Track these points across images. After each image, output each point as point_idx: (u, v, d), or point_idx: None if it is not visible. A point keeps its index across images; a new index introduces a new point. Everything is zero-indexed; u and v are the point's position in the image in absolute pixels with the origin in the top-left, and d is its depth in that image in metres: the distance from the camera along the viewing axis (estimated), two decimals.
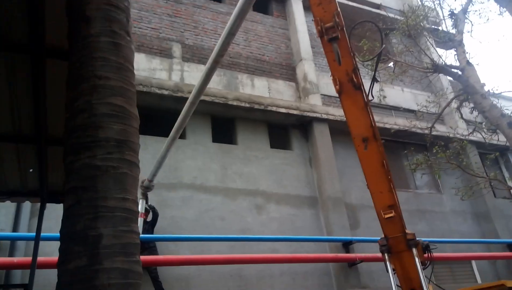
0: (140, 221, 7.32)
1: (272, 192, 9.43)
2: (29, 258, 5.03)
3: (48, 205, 4.83)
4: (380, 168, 5.71)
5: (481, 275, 10.91)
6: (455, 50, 10.83)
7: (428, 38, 12.04)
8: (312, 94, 11.09)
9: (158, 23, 10.37)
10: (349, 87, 5.59)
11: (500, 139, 10.77)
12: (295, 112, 10.22)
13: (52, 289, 1.68)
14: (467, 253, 10.49)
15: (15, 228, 7.00)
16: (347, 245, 9.08)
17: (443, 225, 11.20)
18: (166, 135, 6.58)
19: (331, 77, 5.73)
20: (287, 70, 11.71)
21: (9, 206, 6.96)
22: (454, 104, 11.35)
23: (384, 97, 10.59)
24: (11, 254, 6.70)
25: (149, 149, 8.52)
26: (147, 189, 7.46)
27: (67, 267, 1.62)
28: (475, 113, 10.43)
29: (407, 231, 5.86)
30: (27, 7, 2.78)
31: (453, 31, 11.43)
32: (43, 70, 3.24)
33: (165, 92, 8.80)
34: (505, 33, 36.45)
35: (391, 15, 12.16)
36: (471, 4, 11.50)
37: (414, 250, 5.72)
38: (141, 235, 7.15)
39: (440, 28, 12.97)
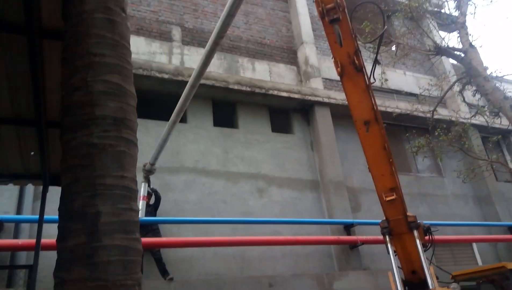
0: (143, 204, 7.37)
1: (273, 176, 9.45)
2: (33, 240, 5.08)
3: (50, 187, 4.85)
4: (381, 151, 5.71)
5: (482, 257, 10.99)
6: (458, 33, 10.67)
7: (430, 20, 11.85)
8: (314, 78, 11.00)
9: (157, 6, 10.25)
10: (350, 69, 5.55)
11: (502, 122, 10.70)
12: (296, 96, 10.16)
13: None
14: (468, 236, 10.55)
15: (19, 211, 7.06)
16: (348, 227, 9.14)
17: (444, 208, 11.24)
18: (167, 119, 6.56)
19: (333, 59, 5.67)
20: (288, 54, 11.60)
21: (12, 189, 7.00)
22: (456, 87, 11.25)
23: (386, 80, 10.50)
24: (15, 236, 6.78)
25: (150, 133, 8.53)
26: (149, 172, 7.50)
27: (66, 244, 1.62)
28: (478, 96, 10.34)
29: (408, 213, 5.89)
30: None
31: (456, 13, 11.23)
32: (40, 51, 3.21)
33: (166, 76, 8.75)
34: (509, 15, 35.89)
35: None
36: None
37: (415, 232, 5.76)
38: (145, 218, 7.24)
39: (442, 10, 12.75)
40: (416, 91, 12.60)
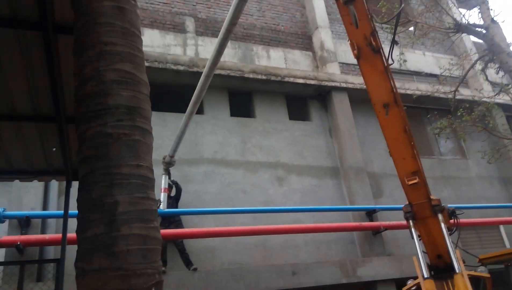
0: (165, 196, 7.46)
1: (293, 164, 9.39)
2: (60, 235, 5.18)
3: (74, 182, 4.92)
4: (402, 133, 5.58)
5: (509, 239, 10.72)
6: (478, 8, 10.29)
7: None
8: (330, 63, 10.83)
9: None
10: (367, 51, 5.41)
11: None
12: (313, 82, 10.02)
13: None
14: (495, 218, 10.29)
15: (45, 207, 7.23)
16: (370, 213, 9.03)
17: (469, 191, 10.98)
18: (185, 111, 6.57)
19: (349, 42, 5.55)
20: (303, 39, 11.43)
21: (38, 186, 7.17)
22: (478, 66, 10.88)
23: (405, 61, 10.21)
24: (43, 232, 6.95)
25: (168, 126, 8.58)
26: (169, 164, 7.57)
27: (85, 235, 1.62)
28: (501, 73, 9.97)
29: (432, 197, 5.77)
30: None
31: None
32: (55, 47, 3.23)
33: (181, 68, 8.75)
34: None
35: None
36: None
37: (440, 216, 5.64)
38: (166, 210, 7.32)
39: None
40: (437, 71, 12.26)
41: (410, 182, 5.61)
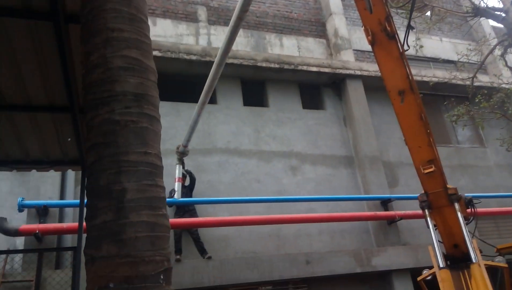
0: (179, 185, 7.50)
1: (306, 153, 9.34)
2: (77, 223, 5.27)
3: None
4: (418, 121, 5.47)
5: None
6: None
7: None
8: (344, 50, 10.66)
9: None
10: (382, 37, 5.29)
11: None
12: (326, 70, 9.89)
13: None
14: None
15: (62, 196, 7.37)
16: (385, 203, 8.94)
17: (487, 179, 10.76)
18: (198, 101, 6.56)
19: (363, 28, 5.44)
20: (316, 27, 11.26)
21: (55, 176, 7.30)
22: (497, 51, 10.57)
23: (421, 46, 9.97)
24: (60, 220, 7.09)
25: (182, 116, 8.60)
26: (182, 154, 7.60)
27: (94, 222, 1.62)
28: None
29: (448, 186, 5.67)
30: None
31: None
32: (67, 36, 3.23)
33: (193, 58, 8.73)
34: None
35: None
36: None
37: (456, 205, 5.54)
38: (181, 199, 7.38)
39: None
40: (454, 57, 11.97)
41: (426, 171, 5.52)
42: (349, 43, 10.89)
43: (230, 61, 8.83)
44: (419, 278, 5.79)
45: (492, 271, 5.62)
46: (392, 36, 5.23)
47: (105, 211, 1.60)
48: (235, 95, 9.38)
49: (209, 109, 8.84)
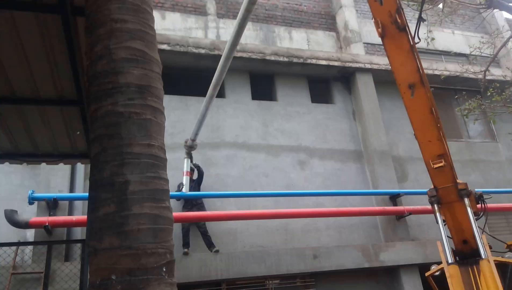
0: (187, 179, 7.53)
1: (315, 148, 9.29)
2: (86, 216, 5.31)
3: None
4: (428, 115, 5.40)
5: None
6: None
7: None
8: (354, 43, 10.55)
9: None
10: (392, 29, 5.22)
11: None
12: (336, 63, 9.80)
13: None
14: None
15: (71, 189, 7.44)
16: (394, 198, 8.87)
17: (498, 175, 10.61)
18: (206, 95, 6.55)
19: (373, 20, 5.36)
20: (326, 19, 11.15)
21: (65, 169, 7.37)
22: (511, 44, 10.36)
23: (433, 39, 9.80)
24: (70, 213, 7.17)
25: (190, 110, 8.61)
26: (190, 148, 7.62)
27: (97, 214, 1.62)
28: None
29: (458, 181, 5.60)
30: None
31: None
32: (75, 29, 3.23)
33: (202, 51, 8.71)
34: None
35: None
36: None
37: (466, 200, 5.47)
38: (189, 193, 7.41)
39: None
40: (466, 50, 11.76)
41: (436, 166, 5.45)
42: (359, 36, 10.77)
43: (238, 54, 8.79)
44: (427, 274, 5.74)
45: (501, 267, 5.55)
46: (402, 28, 5.15)
47: (107, 203, 1.60)
48: (243, 89, 9.35)
49: (218, 103, 8.84)
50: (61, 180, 7.38)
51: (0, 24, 3.26)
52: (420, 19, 5.19)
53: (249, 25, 10.20)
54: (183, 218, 7.30)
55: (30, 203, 6.61)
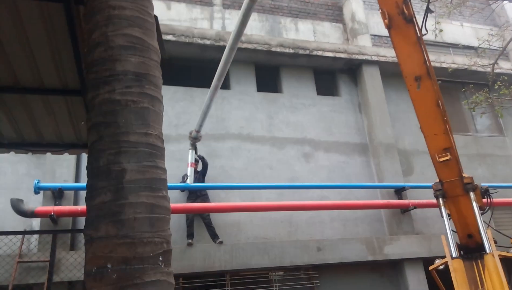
0: (191, 170, 7.54)
1: (320, 140, 9.24)
2: None
3: None
4: (434, 108, 5.34)
5: None
6: None
7: None
8: (361, 35, 10.43)
9: None
10: (399, 20, 5.14)
11: None
12: (342, 55, 9.71)
13: None
14: None
15: (77, 179, 7.48)
16: (399, 191, 8.82)
17: (505, 169, 10.50)
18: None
19: (380, 11, 5.28)
20: (333, 11, 11.03)
21: (70, 159, 7.40)
22: None
23: (441, 30, 9.63)
24: (75, 203, 7.22)
25: (195, 102, 8.59)
26: (195, 139, 7.62)
27: (93, 202, 1.61)
28: None
29: (464, 175, 5.55)
30: None
31: None
32: (78, 18, 3.21)
33: (207, 42, 8.66)
34: None
35: None
36: None
37: (472, 194, 5.43)
38: (193, 184, 7.42)
39: None
40: (475, 43, 11.60)
41: (441, 159, 5.41)
42: (366, 28, 10.65)
43: (244, 46, 8.74)
44: (431, 267, 5.72)
45: (506, 262, 5.51)
46: (409, 19, 5.08)
47: (104, 191, 1.59)
48: (248, 81, 9.30)
49: (223, 95, 8.81)
50: (66, 170, 7.42)
51: (4, 14, 3.26)
52: (427, 10, 5.11)
53: (255, 16, 10.12)
54: (187, 209, 7.32)
55: (36, 192, 6.66)
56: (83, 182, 7.51)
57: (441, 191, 5.61)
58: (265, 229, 7.98)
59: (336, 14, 11.00)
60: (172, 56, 8.44)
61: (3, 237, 6.03)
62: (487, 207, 5.67)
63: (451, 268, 5.05)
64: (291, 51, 9.25)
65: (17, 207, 6.40)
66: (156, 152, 1.70)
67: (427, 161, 6.07)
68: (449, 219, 5.64)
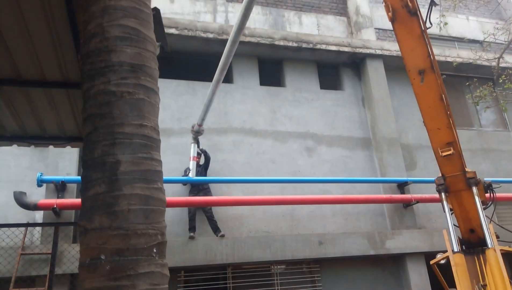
0: (193, 164, 7.54)
1: (323, 134, 9.21)
2: None
3: None
4: (438, 102, 5.30)
5: None
6: None
7: None
8: (365, 29, 10.36)
9: None
10: (403, 13, 5.09)
11: None
12: (346, 49, 9.64)
13: None
14: None
15: (79, 172, 7.50)
16: (402, 186, 8.79)
17: (509, 164, 10.43)
18: None
19: (384, 4, 5.23)
20: (337, 4, 10.95)
21: (72, 152, 7.43)
22: None
23: (446, 23, 9.53)
24: (78, 196, 7.24)
25: (198, 95, 8.58)
26: (197, 133, 7.61)
27: (87, 194, 1.61)
28: None
29: (467, 169, 5.52)
30: None
31: None
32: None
33: (210, 36, 8.62)
34: None
35: None
36: None
37: (474, 189, 5.40)
38: (195, 178, 7.43)
39: None
40: (480, 37, 11.49)
41: (444, 153, 5.37)
42: (371, 21, 10.56)
43: (247, 39, 8.70)
44: (432, 262, 5.71)
45: (509, 257, 5.49)
46: (414, 12, 5.03)
47: (98, 183, 1.59)
48: (251, 75, 9.27)
49: (225, 89, 8.79)
50: (69, 163, 7.44)
51: (4, 5, 3.25)
52: (432, 3, 5.06)
53: (258, 9, 10.07)
54: (189, 203, 7.34)
55: (39, 185, 6.69)
56: None
57: (444, 186, 5.58)
58: (267, 223, 7.99)
59: (340, 8, 10.92)
60: (175, 49, 8.42)
61: (6, 230, 6.07)
62: (490, 202, 5.64)
63: (452, 263, 5.04)
64: (295, 44, 9.19)
65: (20, 200, 6.45)
66: (152, 144, 1.70)
67: (430, 155, 6.04)
68: (452, 213, 5.62)
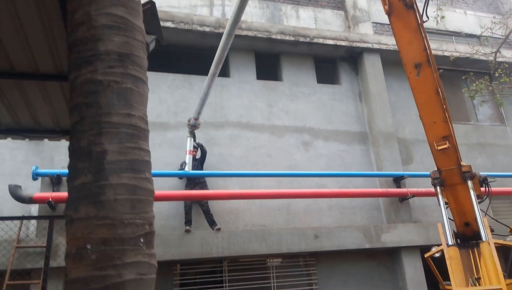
0: (190, 158, 7.53)
1: (319, 129, 9.21)
2: None
3: None
4: (434, 96, 5.30)
5: None
6: None
7: None
8: (363, 23, 10.32)
9: None
10: (400, 6, 5.08)
11: None
12: (343, 43, 9.61)
13: None
14: None
15: None
16: (398, 180, 8.81)
17: (506, 159, 10.46)
18: None
19: None
20: None
21: (67, 146, 7.39)
22: None
23: (443, 17, 9.49)
24: None
25: (194, 89, 8.55)
26: (193, 127, 7.60)
27: (74, 183, 1.60)
28: None
29: (462, 163, 5.53)
30: None
31: None
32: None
33: (207, 29, 8.58)
34: None
35: None
36: None
37: (470, 183, 5.42)
38: (192, 171, 7.42)
39: None
40: (478, 31, 11.46)
41: (440, 147, 5.38)
42: (368, 16, 10.52)
43: (243, 33, 8.66)
44: (426, 255, 5.74)
45: (504, 251, 5.52)
46: (410, 6, 5.02)
47: (84, 172, 1.58)
48: (248, 69, 9.23)
49: (222, 83, 8.76)
50: (64, 156, 7.42)
51: None
52: None
53: (256, 3, 10.01)
54: (185, 196, 7.34)
55: (34, 179, 6.67)
56: None
57: (439, 180, 5.60)
58: (263, 217, 8.00)
59: (337, 1, 10.87)
60: (171, 43, 8.37)
61: (1, 223, 6.06)
62: (485, 196, 5.67)
63: (446, 256, 5.07)
64: (292, 38, 9.16)
65: (15, 193, 6.43)
66: (139, 134, 1.68)
67: (427, 150, 6.04)
68: (447, 207, 5.64)
